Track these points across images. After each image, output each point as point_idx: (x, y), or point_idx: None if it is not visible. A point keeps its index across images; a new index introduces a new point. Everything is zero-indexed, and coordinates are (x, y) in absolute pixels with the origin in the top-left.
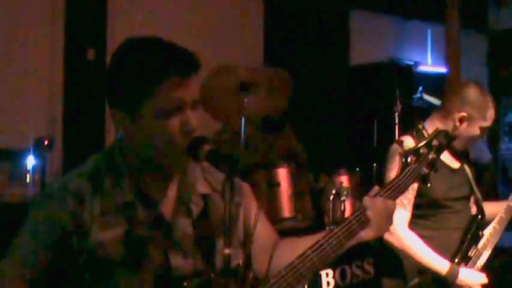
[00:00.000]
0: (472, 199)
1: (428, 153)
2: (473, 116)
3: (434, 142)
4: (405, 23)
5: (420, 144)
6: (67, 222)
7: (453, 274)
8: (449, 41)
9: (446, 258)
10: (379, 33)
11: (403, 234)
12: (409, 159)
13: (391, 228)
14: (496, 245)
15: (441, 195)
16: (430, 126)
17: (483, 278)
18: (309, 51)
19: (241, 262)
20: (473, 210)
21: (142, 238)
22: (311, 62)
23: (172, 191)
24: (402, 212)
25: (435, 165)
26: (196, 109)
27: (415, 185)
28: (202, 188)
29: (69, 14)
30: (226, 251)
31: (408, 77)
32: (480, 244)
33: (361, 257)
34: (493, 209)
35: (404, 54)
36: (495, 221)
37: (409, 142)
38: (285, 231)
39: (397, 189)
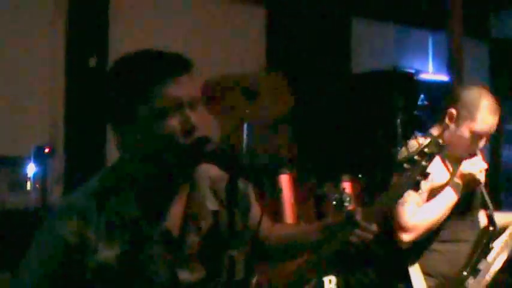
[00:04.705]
0: (482, 210)
1: (421, 161)
2: (461, 114)
3: (427, 149)
4: (406, 31)
5: (412, 153)
6: (71, 241)
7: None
8: (451, 49)
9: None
10: (380, 41)
11: (416, 219)
12: (405, 167)
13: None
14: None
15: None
16: (434, 131)
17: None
18: (310, 59)
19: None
20: (484, 221)
21: (149, 255)
22: (312, 70)
23: (179, 206)
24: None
25: (426, 173)
26: (196, 109)
27: (428, 185)
28: (211, 204)
29: (70, 22)
30: (232, 253)
31: (410, 84)
32: (490, 257)
33: (365, 264)
34: (503, 219)
35: (406, 62)
36: (506, 234)
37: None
38: None
39: (392, 197)
